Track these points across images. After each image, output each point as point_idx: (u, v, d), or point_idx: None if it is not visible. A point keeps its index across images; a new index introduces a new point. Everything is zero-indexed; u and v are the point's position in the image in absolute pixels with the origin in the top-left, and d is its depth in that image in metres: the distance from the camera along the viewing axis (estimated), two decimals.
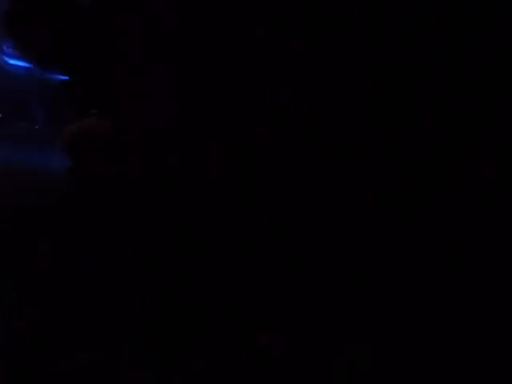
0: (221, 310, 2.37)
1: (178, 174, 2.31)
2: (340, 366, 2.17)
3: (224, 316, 2.35)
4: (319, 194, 2.19)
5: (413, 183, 2.13)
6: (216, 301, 2.35)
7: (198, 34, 2.39)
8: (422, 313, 2.13)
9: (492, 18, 2.07)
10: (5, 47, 6.84)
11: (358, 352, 2.16)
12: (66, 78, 3.26)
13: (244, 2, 2.28)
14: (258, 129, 2.21)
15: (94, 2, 2.76)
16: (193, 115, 2.37)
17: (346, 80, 2.18)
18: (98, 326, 2.47)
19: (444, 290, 2.12)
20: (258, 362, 2.23)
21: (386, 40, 2.19)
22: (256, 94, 2.25)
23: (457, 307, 2.08)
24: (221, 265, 2.33)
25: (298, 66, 2.21)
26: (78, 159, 2.84)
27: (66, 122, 3.00)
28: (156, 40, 2.51)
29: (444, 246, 2.12)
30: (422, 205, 2.13)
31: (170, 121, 2.43)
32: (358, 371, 2.14)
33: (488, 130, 2.10)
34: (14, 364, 2.44)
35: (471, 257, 2.07)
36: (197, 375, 2.21)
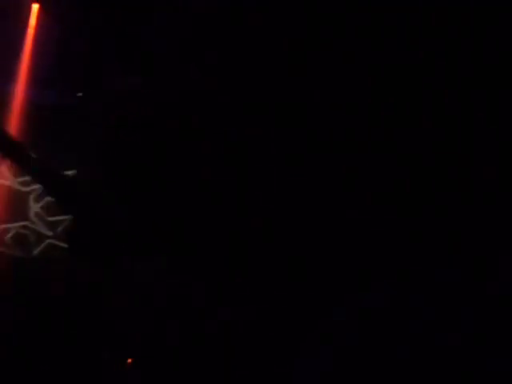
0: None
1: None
2: None
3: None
4: (315, 194, 2.20)
5: (413, 183, 2.13)
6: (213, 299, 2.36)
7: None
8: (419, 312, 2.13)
9: (492, 19, 2.06)
10: None
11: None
12: None
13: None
14: (253, 129, 2.22)
15: None
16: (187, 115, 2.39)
17: (345, 80, 2.18)
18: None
19: (443, 289, 2.12)
20: None
21: (385, 40, 2.19)
22: (252, 93, 2.26)
23: (456, 306, 2.08)
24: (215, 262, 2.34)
25: (297, 66, 2.22)
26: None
27: None
28: None
29: (444, 245, 2.12)
30: (422, 205, 2.13)
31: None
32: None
33: (488, 130, 2.10)
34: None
35: (470, 256, 2.06)
36: None
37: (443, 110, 2.13)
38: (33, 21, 6.61)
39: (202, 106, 2.37)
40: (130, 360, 2.48)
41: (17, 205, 6.31)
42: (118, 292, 2.55)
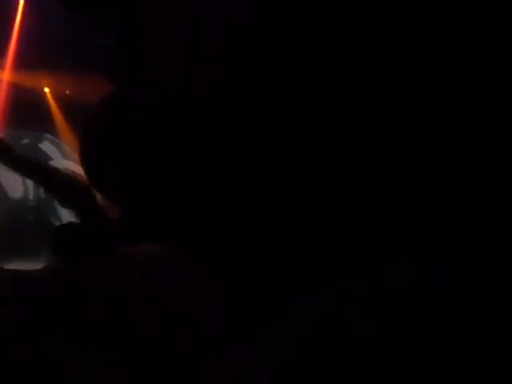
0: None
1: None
2: None
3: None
4: (314, 193, 2.20)
5: (412, 182, 2.14)
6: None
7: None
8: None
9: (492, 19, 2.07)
10: None
11: None
12: None
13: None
14: (253, 129, 2.22)
15: None
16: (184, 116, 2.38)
17: (343, 80, 2.18)
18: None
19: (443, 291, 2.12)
20: None
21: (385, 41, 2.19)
22: (252, 94, 2.25)
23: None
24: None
25: (297, 67, 2.22)
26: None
27: None
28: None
29: (443, 244, 2.12)
30: (422, 205, 2.13)
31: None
32: None
33: (488, 130, 2.10)
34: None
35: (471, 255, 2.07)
36: None
37: (443, 109, 2.13)
38: (19, 17, 6.61)
39: (200, 110, 2.37)
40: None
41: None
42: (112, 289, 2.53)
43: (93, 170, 2.74)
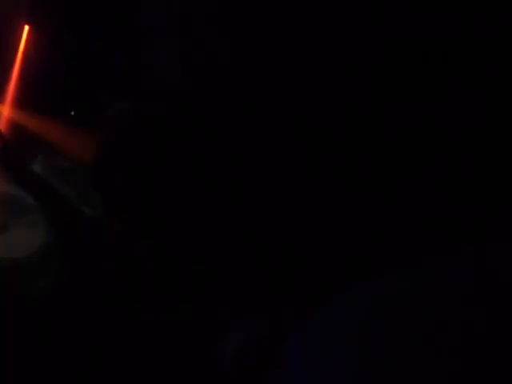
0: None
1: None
2: None
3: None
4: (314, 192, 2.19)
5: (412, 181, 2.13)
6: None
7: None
8: None
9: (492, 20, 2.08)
10: None
11: None
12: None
13: None
14: (253, 127, 2.22)
15: None
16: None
17: (345, 79, 2.19)
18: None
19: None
20: None
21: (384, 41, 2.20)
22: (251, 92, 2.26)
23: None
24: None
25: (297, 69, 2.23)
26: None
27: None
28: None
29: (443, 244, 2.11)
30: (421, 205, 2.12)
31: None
32: None
33: (487, 130, 2.11)
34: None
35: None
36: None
37: (443, 109, 2.14)
38: (22, 44, 6.67)
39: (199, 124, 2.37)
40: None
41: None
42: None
43: (101, 176, 2.74)
